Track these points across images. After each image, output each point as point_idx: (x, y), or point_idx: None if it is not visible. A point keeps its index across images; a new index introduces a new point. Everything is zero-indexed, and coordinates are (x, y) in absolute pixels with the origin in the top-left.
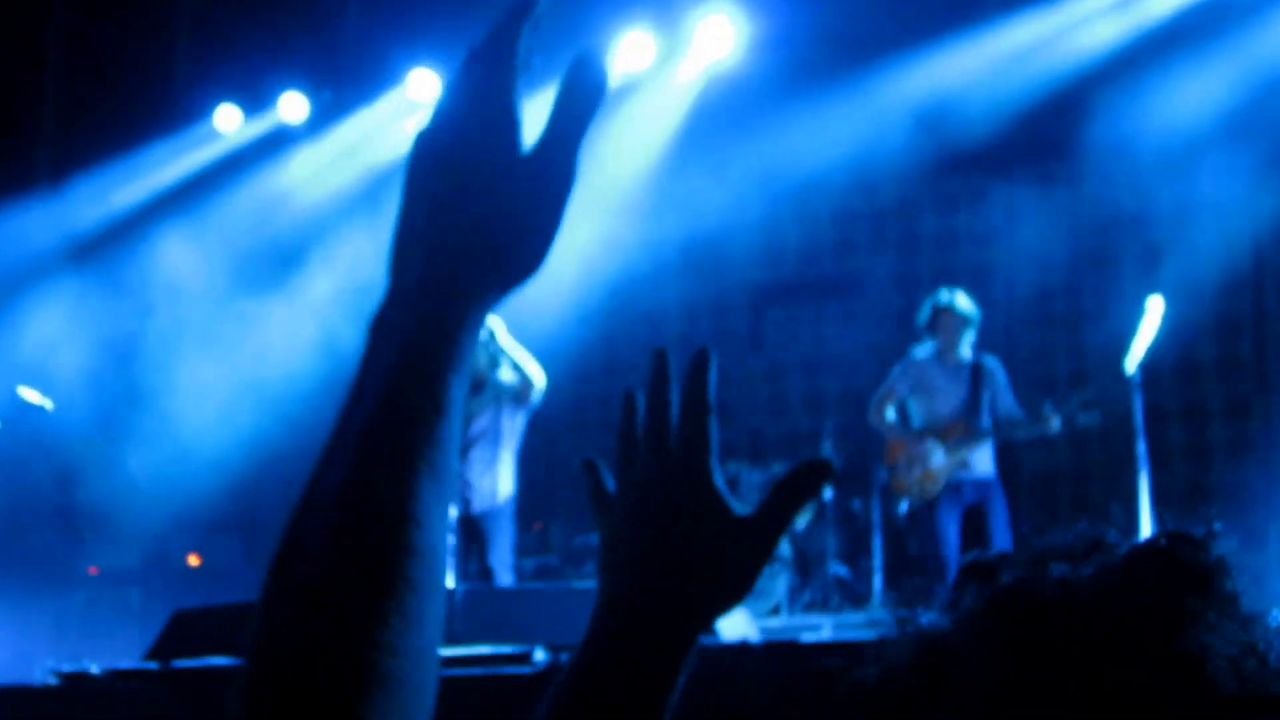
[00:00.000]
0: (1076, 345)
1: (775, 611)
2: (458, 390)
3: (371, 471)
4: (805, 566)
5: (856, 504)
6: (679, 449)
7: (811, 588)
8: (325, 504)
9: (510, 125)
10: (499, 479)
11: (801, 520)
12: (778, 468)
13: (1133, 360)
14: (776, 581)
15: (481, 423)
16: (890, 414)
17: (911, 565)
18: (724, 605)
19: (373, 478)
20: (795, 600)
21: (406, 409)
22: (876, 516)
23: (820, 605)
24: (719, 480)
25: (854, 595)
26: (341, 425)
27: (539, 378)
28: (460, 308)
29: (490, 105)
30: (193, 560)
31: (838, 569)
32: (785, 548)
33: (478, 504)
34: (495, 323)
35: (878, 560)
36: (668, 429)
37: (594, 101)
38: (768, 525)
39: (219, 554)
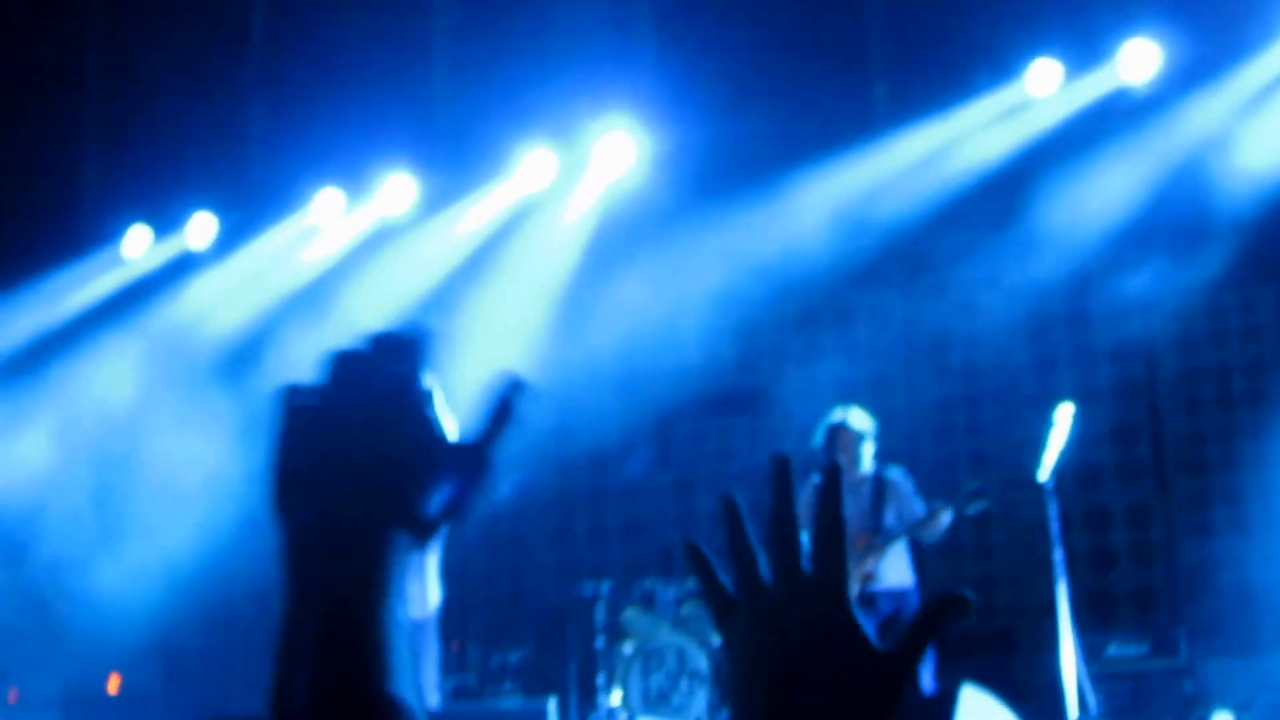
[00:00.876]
0: (979, 453)
1: None
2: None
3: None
4: (723, 682)
5: None
6: (816, 574)
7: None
8: None
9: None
10: (428, 587)
11: (719, 638)
12: (690, 583)
13: (1045, 469)
14: (695, 697)
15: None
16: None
17: None
18: None
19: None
20: (715, 716)
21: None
22: None
23: None
24: (856, 610)
25: None
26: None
27: None
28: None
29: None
30: (112, 685)
31: None
32: (703, 663)
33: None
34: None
35: None
36: (797, 549)
37: (509, 421)
38: (905, 659)
39: (139, 677)
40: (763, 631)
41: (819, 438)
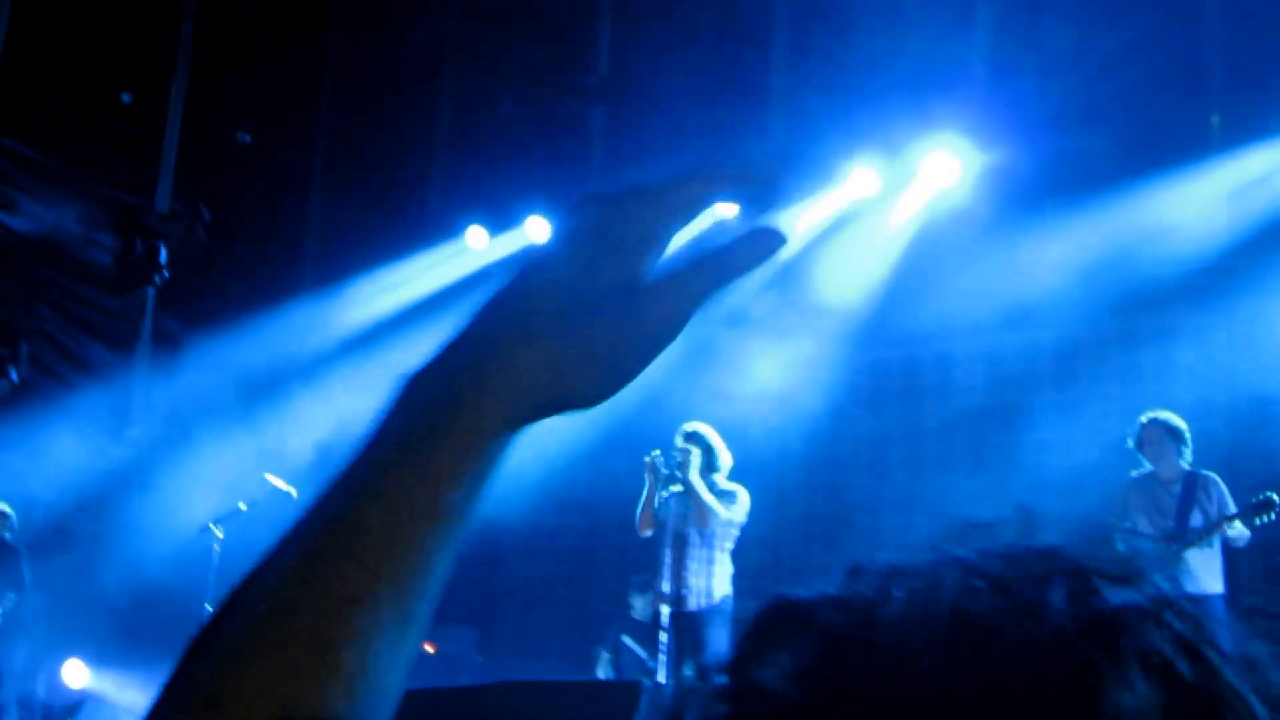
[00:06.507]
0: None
1: None
2: (459, 503)
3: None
4: None
5: None
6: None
7: None
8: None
9: (643, 249)
10: (714, 579)
11: None
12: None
13: None
14: None
15: (694, 524)
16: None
17: None
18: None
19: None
20: None
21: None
22: None
23: None
24: None
25: None
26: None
27: (714, 511)
28: (496, 416)
29: (651, 213)
30: (428, 648)
31: None
32: None
33: (693, 603)
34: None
35: None
36: None
37: (744, 271)
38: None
39: (454, 644)
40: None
41: (1131, 433)
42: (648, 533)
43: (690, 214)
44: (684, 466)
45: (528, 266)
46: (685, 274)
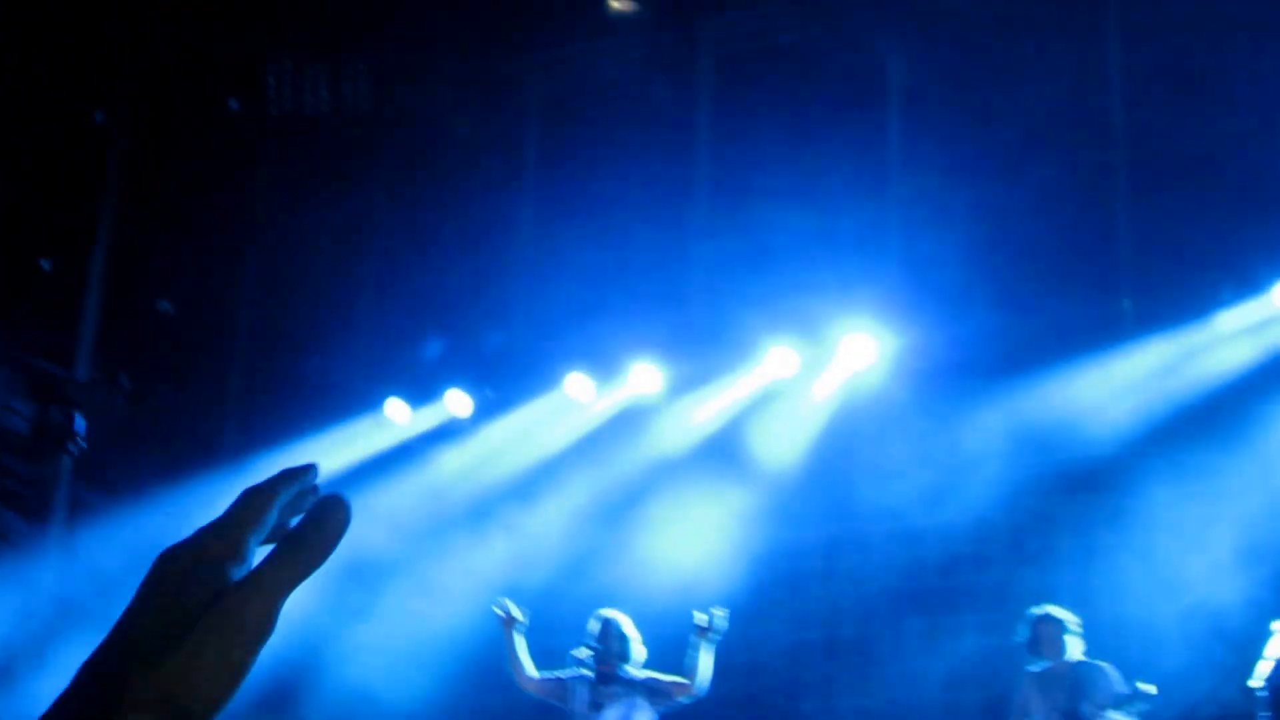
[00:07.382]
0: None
1: None
2: None
3: None
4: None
5: None
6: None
7: None
8: None
9: (229, 561)
10: None
11: None
12: None
13: (1258, 677)
14: None
15: (613, 713)
16: None
17: None
18: None
19: None
20: None
21: None
22: None
23: None
24: None
25: None
26: None
27: (702, 684)
28: None
29: (228, 540)
30: None
31: None
32: None
33: None
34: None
35: None
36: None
37: (322, 555)
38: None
39: None
40: None
41: (1021, 631)
42: (533, 692)
43: (261, 522)
44: (712, 634)
45: (116, 629)
46: (263, 573)
